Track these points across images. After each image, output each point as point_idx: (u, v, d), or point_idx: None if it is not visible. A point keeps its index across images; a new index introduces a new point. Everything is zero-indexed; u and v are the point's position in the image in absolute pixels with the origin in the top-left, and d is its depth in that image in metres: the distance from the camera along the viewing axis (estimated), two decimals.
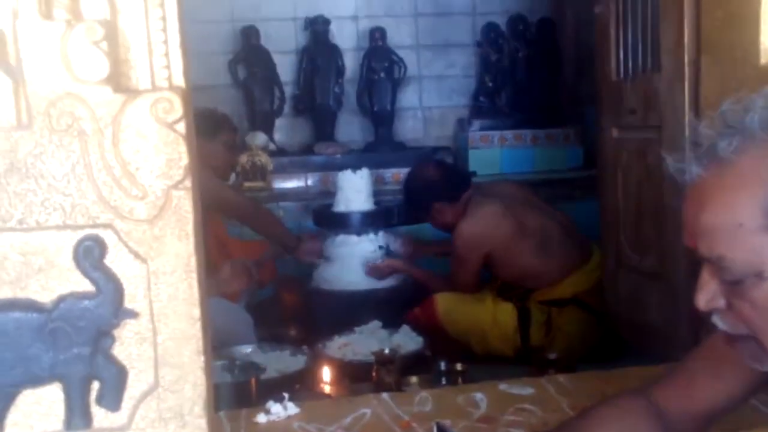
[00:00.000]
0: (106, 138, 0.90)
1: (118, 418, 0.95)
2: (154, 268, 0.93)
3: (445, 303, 2.89)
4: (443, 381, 2.28)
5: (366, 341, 2.64)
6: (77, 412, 0.94)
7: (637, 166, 2.47)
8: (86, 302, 0.92)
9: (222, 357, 2.25)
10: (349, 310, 2.96)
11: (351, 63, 4.52)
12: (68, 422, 0.94)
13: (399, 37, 4.59)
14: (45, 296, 0.92)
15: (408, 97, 4.66)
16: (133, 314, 0.94)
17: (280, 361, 2.41)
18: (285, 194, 4.07)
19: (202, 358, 0.96)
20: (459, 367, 2.32)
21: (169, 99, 0.91)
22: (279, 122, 4.50)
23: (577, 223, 3.03)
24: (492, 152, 4.41)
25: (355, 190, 3.23)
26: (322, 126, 4.48)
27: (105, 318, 0.93)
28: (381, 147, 4.42)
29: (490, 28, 4.58)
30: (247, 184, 4.02)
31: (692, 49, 2.11)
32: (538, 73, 4.53)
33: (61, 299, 0.92)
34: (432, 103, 4.73)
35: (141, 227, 0.92)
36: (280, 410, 1.70)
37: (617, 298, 2.67)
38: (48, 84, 0.89)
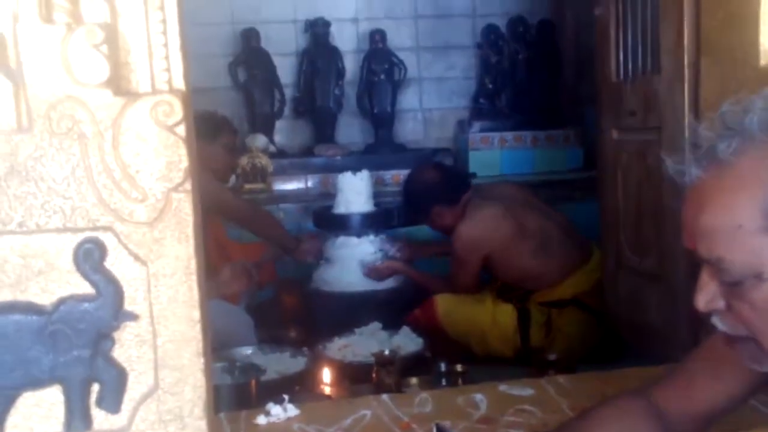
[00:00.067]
0: (107, 141, 0.90)
1: (117, 421, 0.95)
2: (154, 270, 0.93)
3: (445, 304, 2.89)
4: (443, 382, 2.28)
5: (366, 343, 2.64)
6: (77, 414, 0.94)
7: (636, 167, 2.47)
8: (86, 305, 0.92)
9: (222, 359, 2.25)
10: (349, 311, 2.97)
11: (351, 65, 4.53)
12: (68, 424, 0.94)
13: (399, 39, 4.60)
14: (45, 299, 0.92)
15: (408, 98, 4.66)
16: (133, 317, 0.94)
17: (280, 363, 2.42)
18: (285, 196, 4.08)
19: (202, 360, 0.96)
20: (459, 368, 2.32)
21: (170, 102, 0.91)
22: (279, 124, 4.51)
23: (577, 224, 3.03)
24: (492, 154, 4.42)
25: (355, 192, 3.23)
26: (322, 128, 4.48)
27: (105, 320, 0.93)
28: (381, 149, 4.43)
29: (490, 29, 4.58)
30: (247, 186, 4.03)
31: (692, 50, 2.11)
32: (538, 75, 4.53)
33: (61, 302, 0.92)
34: (432, 104, 4.73)
35: (141, 230, 0.92)
36: (280, 412, 1.70)
37: (617, 299, 2.67)
38: (48, 87, 0.89)
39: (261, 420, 1.69)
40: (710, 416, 1.14)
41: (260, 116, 4.38)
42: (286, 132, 4.57)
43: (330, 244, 3.22)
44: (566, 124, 4.52)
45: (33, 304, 0.92)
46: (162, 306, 0.94)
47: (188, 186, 0.92)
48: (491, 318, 2.84)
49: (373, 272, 3.13)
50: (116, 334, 0.94)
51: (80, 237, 0.92)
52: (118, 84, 0.91)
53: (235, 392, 2.03)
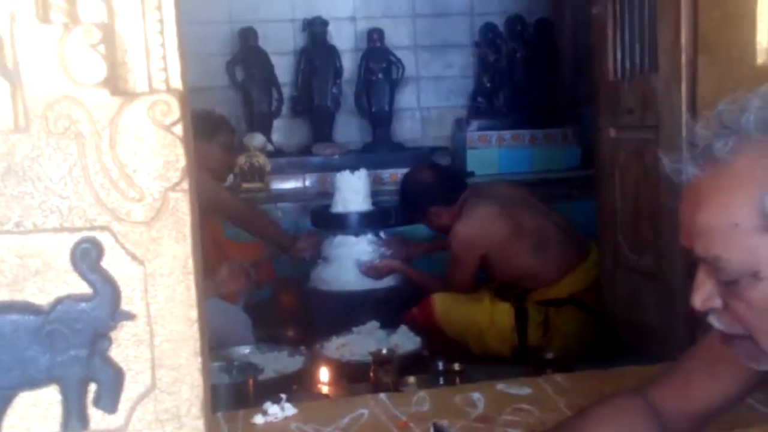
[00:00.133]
0: (104, 140, 0.90)
1: (115, 420, 0.95)
2: (151, 270, 0.93)
3: (442, 303, 2.89)
4: (441, 381, 2.28)
5: (364, 341, 2.64)
6: (74, 414, 0.94)
7: (634, 166, 2.48)
8: (83, 304, 0.92)
9: (220, 358, 2.25)
10: (346, 310, 2.97)
11: (349, 64, 4.53)
12: (65, 424, 0.94)
13: (397, 37, 4.60)
14: (42, 298, 0.92)
15: (406, 97, 4.66)
16: (130, 316, 0.94)
17: (278, 362, 2.41)
18: (283, 195, 4.07)
19: (199, 360, 0.96)
20: (457, 367, 2.32)
21: (167, 101, 0.91)
22: (277, 123, 4.51)
23: (575, 223, 3.04)
24: (490, 152, 4.42)
25: (353, 191, 3.23)
26: (320, 127, 4.48)
27: (102, 320, 0.93)
28: (379, 148, 4.42)
29: (488, 28, 4.58)
30: (245, 185, 4.03)
31: (689, 49, 2.12)
32: (535, 74, 4.53)
33: (58, 301, 0.92)
34: (430, 103, 4.73)
35: (138, 229, 0.92)
36: (277, 411, 1.70)
37: (615, 297, 2.67)
38: (45, 87, 0.89)
39: (258, 419, 1.69)
40: (707, 415, 1.14)
41: (258, 115, 4.38)
42: (283, 131, 4.57)
43: (328, 243, 3.22)
44: (564, 122, 4.52)
45: (30, 304, 0.92)
46: (159, 305, 0.94)
47: (185, 185, 0.92)
48: (489, 317, 2.84)
49: (371, 270, 3.13)
50: (113, 334, 0.94)
51: (77, 237, 0.92)
52: (115, 84, 0.91)
53: (232, 391, 2.03)
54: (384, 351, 2.30)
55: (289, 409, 1.71)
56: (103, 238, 0.92)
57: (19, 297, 0.92)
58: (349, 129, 4.61)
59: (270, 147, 4.30)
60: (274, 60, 4.41)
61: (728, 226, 0.84)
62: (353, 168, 3.32)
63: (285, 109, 4.51)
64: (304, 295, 3.21)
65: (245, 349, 2.47)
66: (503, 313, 2.85)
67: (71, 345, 0.92)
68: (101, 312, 0.92)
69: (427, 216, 2.97)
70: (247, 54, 4.38)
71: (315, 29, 4.42)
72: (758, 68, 2.03)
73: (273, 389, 1.92)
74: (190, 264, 0.94)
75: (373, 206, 3.28)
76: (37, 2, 0.88)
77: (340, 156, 4.30)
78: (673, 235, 2.05)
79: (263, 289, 3.19)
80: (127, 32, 0.92)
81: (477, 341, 2.85)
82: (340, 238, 3.22)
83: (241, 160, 4.00)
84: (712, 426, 1.17)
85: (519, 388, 1.79)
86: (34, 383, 0.93)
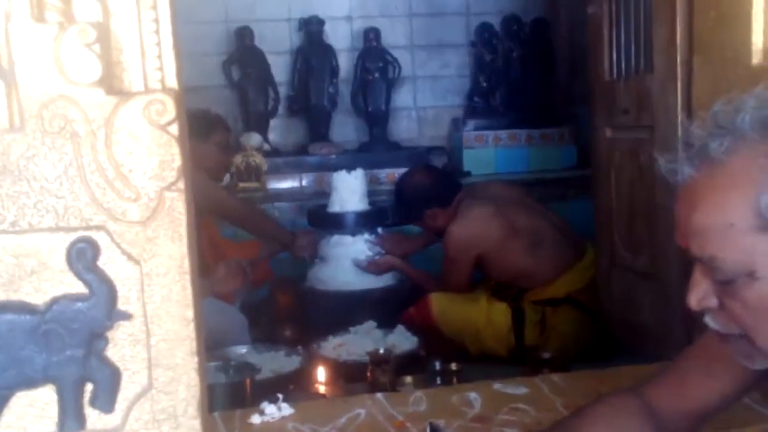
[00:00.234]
0: (99, 140, 0.90)
1: (111, 420, 0.95)
2: (148, 269, 0.93)
3: (439, 303, 2.89)
4: (438, 381, 2.28)
5: (361, 341, 2.64)
6: (71, 414, 0.94)
7: (629, 165, 2.48)
8: (79, 304, 0.92)
9: (216, 358, 2.25)
10: (343, 310, 2.96)
11: (345, 63, 4.53)
12: (62, 424, 0.94)
13: (393, 37, 4.60)
14: (38, 298, 0.92)
15: (402, 97, 4.66)
16: (127, 316, 0.94)
17: (275, 362, 2.41)
18: (280, 195, 4.07)
19: (196, 360, 0.96)
20: (453, 366, 2.32)
21: (162, 101, 0.91)
22: (273, 123, 4.51)
23: (571, 223, 3.04)
24: (486, 152, 4.42)
25: (349, 191, 3.23)
26: (317, 126, 4.48)
27: (98, 320, 0.93)
28: (375, 147, 4.43)
29: (485, 28, 4.59)
30: (241, 184, 4.02)
31: (684, 49, 2.12)
32: (532, 73, 4.54)
33: (54, 301, 0.92)
34: (426, 103, 4.74)
35: (134, 229, 0.92)
36: (274, 411, 1.70)
37: (611, 297, 2.67)
38: (40, 86, 0.89)
39: (255, 419, 1.68)
40: (703, 414, 1.14)
41: (254, 115, 4.38)
42: (280, 130, 4.57)
43: (325, 243, 3.22)
44: (560, 122, 4.52)
45: (26, 304, 0.92)
46: (155, 305, 0.94)
47: (181, 185, 0.92)
48: (485, 317, 2.84)
49: (371, 266, 3.14)
50: (109, 334, 0.94)
51: (73, 236, 0.92)
52: (110, 83, 0.91)
53: (229, 391, 2.03)
54: (381, 351, 2.31)
55: (286, 409, 1.71)
56: (99, 237, 0.92)
57: (14, 297, 0.92)
58: (345, 128, 4.61)
59: (266, 146, 4.30)
60: (271, 59, 4.41)
61: (724, 226, 0.84)
62: (350, 167, 3.31)
63: (281, 109, 4.51)
64: (301, 294, 3.21)
65: (242, 349, 2.47)
66: (500, 312, 2.85)
67: (67, 345, 0.92)
68: (97, 312, 0.92)
69: (423, 218, 2.98)
70: (244, 53, 4.38)
71: (311, 28, 4.42)
72: (753, 68, 2.02)
73: (270, 389, 1.92)
74: (187, 264, 0.94)
75: (369, 206, 3.28)
76: (32, 1, 0.88)
77: (337, 155, 4.30)
78: (669, 234, 2.05)
79: (260, 288, 3.19)
80: (123, 31, 0.92)
81: (474, 341, 2.85)
82: (336, 238, 3.22)
83: (238, 159, 4.00)
84: (708, 425, 1.17)
85: (516, 388, 1.79)
86: (30, 383, 0.93)
